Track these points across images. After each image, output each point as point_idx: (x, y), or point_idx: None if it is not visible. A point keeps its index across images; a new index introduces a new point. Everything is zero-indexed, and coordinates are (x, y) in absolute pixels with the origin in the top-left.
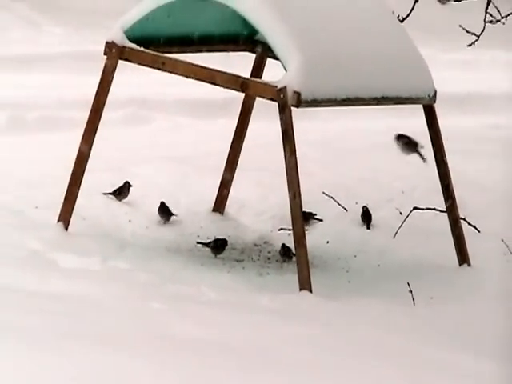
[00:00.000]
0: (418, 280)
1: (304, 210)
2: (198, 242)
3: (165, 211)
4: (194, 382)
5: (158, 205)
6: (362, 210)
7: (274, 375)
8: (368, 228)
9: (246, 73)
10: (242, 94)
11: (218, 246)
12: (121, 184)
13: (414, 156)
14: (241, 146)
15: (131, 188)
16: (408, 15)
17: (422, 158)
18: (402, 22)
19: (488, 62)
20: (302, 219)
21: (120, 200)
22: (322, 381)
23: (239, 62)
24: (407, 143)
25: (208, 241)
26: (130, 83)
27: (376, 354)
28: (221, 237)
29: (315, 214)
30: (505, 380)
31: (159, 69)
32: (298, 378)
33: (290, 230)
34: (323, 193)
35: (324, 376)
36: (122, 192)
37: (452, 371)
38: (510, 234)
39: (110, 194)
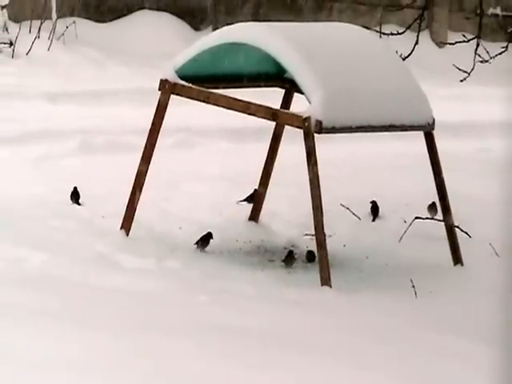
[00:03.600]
0: (419, 277)
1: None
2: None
3: (205, 241)
4: (234, 362)
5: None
6: (370, 205)
7: (303, 356)
8: (373, 220)
9: (276, 105)
10: (273, 123)
11: (290, 257)
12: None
13: (415, 174)
14: (272, 166)
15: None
16: (409, 55)
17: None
18: (404, 60)
19: (477, 95)
20: (323, 226)
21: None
22: (341, 359)
23: (271, 96)
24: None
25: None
26: (181, 114)
27: (385, 338)
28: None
29: None
30: (494, 359)
31: (204, 102)
32: (322, 357)
33: (313, 235)
34: (340, 204)
35: (342, 355)
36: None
37: (449, 351)
38: (496, 239)
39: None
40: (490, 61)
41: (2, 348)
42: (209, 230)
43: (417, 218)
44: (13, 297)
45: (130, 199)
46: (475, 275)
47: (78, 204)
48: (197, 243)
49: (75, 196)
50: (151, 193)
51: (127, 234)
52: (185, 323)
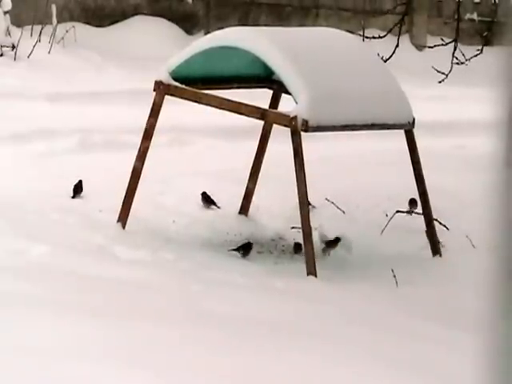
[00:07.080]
0: (400, 267)
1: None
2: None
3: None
4: (227, 347)
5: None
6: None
7: (293, 340)
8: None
9: (265, 105)
10: (262, 122)
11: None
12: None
13: (396, 170)
14: (261, 163)
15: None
16: (390, 57)
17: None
18: (385, 62)
19: (455, 96)
20: (309, 219)
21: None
22: (329, 344)
23: (260, 97)
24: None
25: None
26: (175, 113)
27: (368, 324)
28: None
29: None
30: (474, 346)
31: (197, 102)
32: (308, 342)
33: (299, 228)
34: (325, 199)
35: (330, 341)
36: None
37: (428, 338)
38: (472, 231)
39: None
40: (467, 63)
41: (1, 335)
42: (249, 240)
43: (398, 211)
44: (12, 286)
45: (126, 194)
46: (453, 265)
47: (77, 198)
48: (237, 250)
49: (74, 191)
50: (146, 188)
51: (124, 227)
52: (179, 311)
